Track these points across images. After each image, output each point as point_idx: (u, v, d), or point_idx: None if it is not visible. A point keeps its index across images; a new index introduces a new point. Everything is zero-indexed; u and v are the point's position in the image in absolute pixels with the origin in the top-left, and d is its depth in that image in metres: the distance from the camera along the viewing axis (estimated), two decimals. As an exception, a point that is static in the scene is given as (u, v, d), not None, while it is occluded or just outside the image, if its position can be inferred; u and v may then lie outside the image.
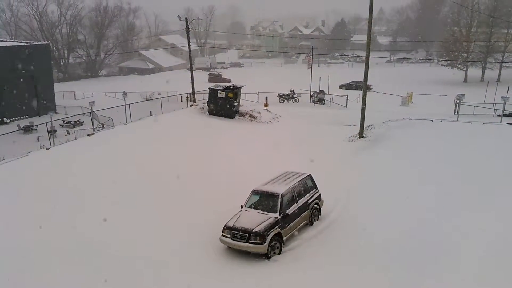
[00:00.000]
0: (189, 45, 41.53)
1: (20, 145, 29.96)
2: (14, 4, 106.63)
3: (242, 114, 34.77)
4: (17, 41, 63.92)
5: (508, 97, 31.69)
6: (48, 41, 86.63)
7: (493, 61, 74.73)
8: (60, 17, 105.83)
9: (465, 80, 76.46)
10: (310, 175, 17.48)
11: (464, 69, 76.86)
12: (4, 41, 60.64)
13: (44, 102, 49.12)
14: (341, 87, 65.26)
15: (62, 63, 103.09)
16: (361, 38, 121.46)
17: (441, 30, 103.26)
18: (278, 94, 48.34)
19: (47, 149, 24.28)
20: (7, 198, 17.14)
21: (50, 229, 15.16)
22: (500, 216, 15.29)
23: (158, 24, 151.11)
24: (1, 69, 45.11)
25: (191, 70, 41.99)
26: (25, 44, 54.76)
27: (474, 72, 77.06)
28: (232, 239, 14.46)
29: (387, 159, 22.63)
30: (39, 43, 64.56)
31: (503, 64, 74.00)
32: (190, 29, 41.13)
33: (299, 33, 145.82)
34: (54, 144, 27.45)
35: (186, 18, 41.38)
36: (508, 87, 44.29)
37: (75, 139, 27.75)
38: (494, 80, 69.16)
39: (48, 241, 14.50)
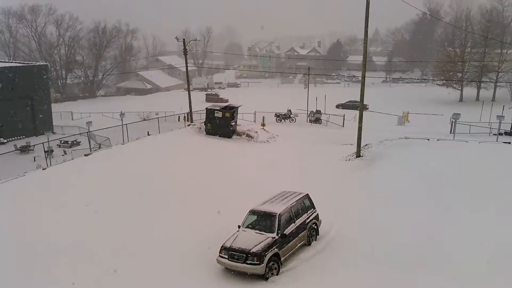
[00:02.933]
0: (186, 66, 41.89)
1: (16, 165, 29.82)
2: (13, 25, 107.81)
3: (239, 134, 34.84)
4: (15, 62, 64.30)
5: (504, 116, 31.93)
6: (46, 62, 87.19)
7: (488, 80, 75.51)
8: (59, 38, 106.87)
9: (461, 99, 77.09)
10: (307, 194, 17.42)
11: (459, 88, 77.57)
12: (3, 61, 60.97)
13: (42, 122, 49.13)
14: (337, 106, 65.66)
15: (60, 84, 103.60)
16: (357, 59, 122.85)
17: (436, 50, 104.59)
18: (275, 114, 48.54)
19: (43, 169, 24.21)
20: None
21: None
22: (495, 229, 15.32)
23: (156, 45, 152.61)
24: (-1, 89, 45.29)
25: (189, 90, 42.25)
26: (24, 64, 55.06)
27: (469, 91, 77.77)
28: (229, 260, 14.30)
29: (384, 178, 22.62)
30: (37, 63, 64.90)
31: (498, 84, 74.75)
32: (188, 50, 41.54)
33: (296, 53, 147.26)
34: (50, 164, 27.33)
35: (184, 39, 41.79)
36: (503, 106, 44.68)
37: (72, 159, 27.70)
38: (489, 99, 69.77)
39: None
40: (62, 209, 18.21)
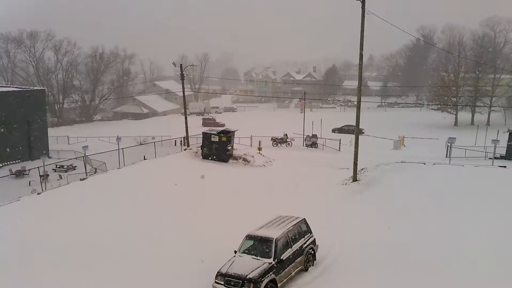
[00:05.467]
0: (183, 91, 42.15)
1: (11, 189, 29.62)
2: (11, 51, 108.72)
3: (235, 158, 34.80)
4: (12, 86, 64.56)
5: (499, 140, 32.19)
6: (43, 87, 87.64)
7: (482, 105, 76.32)
8: (57, 63, 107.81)
9: (456, 123, 77.74)
10: (304, 219, 17.31)
11: (454, 113, 78.31)
12: (0, 86, 61.25)
13: (38, 146, 49.01)
14: (333, 131, 66.01)
15: (56, 108, 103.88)
16: (352, 83, 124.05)
17: (430, 75, 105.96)
18: (272, 138, 48.68)
19: (38, 193, 24.03)
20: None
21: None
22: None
23: (153, 70, 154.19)
24: (-4, 113, 45.39)
25: (185, 114, 42.43)
26: (21, 89, 55.30)
27: (464, 116, 78.49)
28: (225, 286, 14.08)
29: (381, 202, 22.55)
30: (35, 88, 65.23)
31: (492, 108, 75.52)
32: (185, 75, 41.90)
33: (291, 78, 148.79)
34: (45, 189, 27.16)
35: (181, 65, 42.22)
36: (498, 130, 45.00)
37: (68, 183, 27.54)
38: (484, 123, 70.37)
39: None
40: (56, 234, 18.00)
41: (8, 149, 46.33)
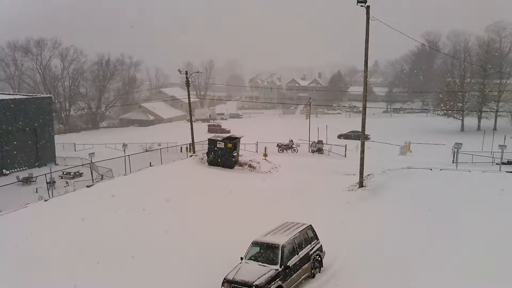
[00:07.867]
0: (189, 97, 42.29)
1: (18, 196, 29.78)
2: (18, 59, 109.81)
3: (241, 164, 34.80)
4: (19, 94, 65.08)
5: (506, 146, 32.00)
6: (50, 94, 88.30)
7: (488, 110, 75.94)
8: (63, 71, 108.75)
9: (462, 129, 77.34)
10: (310, 225, 17.26)
11: (460, 118, 77.95)
12: (7, 94, 61.77)
13: (44, 153, 49.28)
14: (339, 137, 65.88)
15: (63, 115, 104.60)
16: (358, 89, 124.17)
17: (436, 81, 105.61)
18: (277, 144, 48.65)
19: (45, 200, 24.14)
20: None
21: None
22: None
23: (158, 77, 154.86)
24: (3, 121, 45.67)
25: (191, 121, 42.51)
26: (28, 97, 55.73)
27: (471, 121, 78.09)
28: (232, 292, 14.06)
29: (388, 208, 22.45)
30: (41, 95, 65.66)
31: (498, 113, 75.10)
32: (190, 82, 42.03)
33: (297, 85, 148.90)
34: (52, 196, 27.26)
35: (186, 72, 42.32)
36: (505, 135, 44.73)
37: (74, 190, 27.64)
38: (491, 129, 69.95)
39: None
40: (63, 240, 18.06)
41: (15, 156, 46.61)
